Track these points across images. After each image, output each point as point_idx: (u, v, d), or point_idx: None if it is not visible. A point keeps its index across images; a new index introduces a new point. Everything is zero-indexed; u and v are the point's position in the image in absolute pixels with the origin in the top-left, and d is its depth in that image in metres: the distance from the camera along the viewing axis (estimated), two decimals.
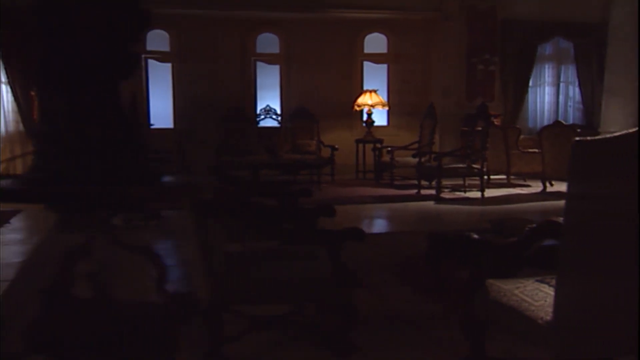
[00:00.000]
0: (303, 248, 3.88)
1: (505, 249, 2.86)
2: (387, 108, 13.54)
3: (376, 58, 14.21)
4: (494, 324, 3.04)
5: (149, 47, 13.24)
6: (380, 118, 13.95)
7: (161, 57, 13.49)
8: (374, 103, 12.83)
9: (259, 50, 13.97)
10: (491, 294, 3.00)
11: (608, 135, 2.38)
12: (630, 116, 8.46)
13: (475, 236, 3.07)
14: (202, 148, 11.82)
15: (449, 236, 3.14)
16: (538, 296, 2.80)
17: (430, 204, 9.93)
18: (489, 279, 3.08)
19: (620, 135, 2.36)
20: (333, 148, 12.32)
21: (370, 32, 14.09)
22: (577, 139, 2.39)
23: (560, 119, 13.97)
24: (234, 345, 3.62)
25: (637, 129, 2.33)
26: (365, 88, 13.56)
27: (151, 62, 13.44)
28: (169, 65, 13.55)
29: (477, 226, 7.51)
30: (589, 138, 2.37)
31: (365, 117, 13.09)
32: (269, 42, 14.02)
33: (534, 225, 2.72)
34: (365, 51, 14.17)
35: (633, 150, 2.36)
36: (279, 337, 3.94)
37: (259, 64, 14.08)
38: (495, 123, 12.24)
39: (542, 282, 2.96)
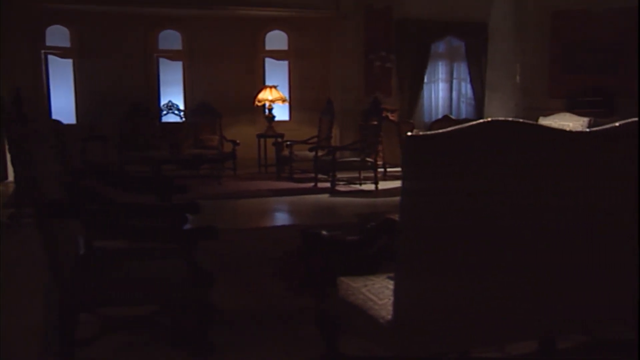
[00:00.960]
0: (166, 247, 3.63)
1: (349, 247, 2.69)
2: (286, 103, 13.35)
3: (277, 54, 14.01)
4: (347, 322, 2.87)
5: (48, 43, 12.69)
6: (282, 113, 13.78)
7: (62, 53, 12.92)
8: (274, 98, 12.60)
9: (161, 46, 13.56)
10: (340, 292, 2.83)
11: (441, 131, 2.23)
12: (510, 111, 8.49)
13: (324, 233, 2.89)
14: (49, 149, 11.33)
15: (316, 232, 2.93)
16: (384, 294, 2.64)
17: (326, 196, 9.80)
18: (341, 277, 2.92)
19: (450, 131, 2.21)
20: (235, 143, 12.08)
21: (271, 30, 13.87)
22: (409, 134, 2.22)
23: (453, 113, 14.10)
24: (88, 348, 3.35)
25: (484, 122, 2.19)
26: (267, 84, 13.32)
27: (51, 57, 12.85)
28: (70, 61, 12.98)
29: (349, 221, 7.44)
30: (420, 133, 2.21)
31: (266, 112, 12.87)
32: (171, 39, 13.62)
33: (374, 223, 2.56)
34: (267, 48, 13.95)
35: (463, 145, 2.21)
36: (135, 338, 3.68)
37: (163, 60, 13.67)
38: (391, 118, 12.21)
39: (392, 279, 2.80)
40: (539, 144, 2.30)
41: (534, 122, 2.32)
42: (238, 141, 12.14)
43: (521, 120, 2.28)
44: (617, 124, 2.49)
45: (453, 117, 11.56)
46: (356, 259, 2.68)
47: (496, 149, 2.24)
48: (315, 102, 13.38)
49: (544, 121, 6.32)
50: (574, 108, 13.94)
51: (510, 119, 2.24)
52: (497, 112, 8.59)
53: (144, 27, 13.11)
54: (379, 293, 2.66)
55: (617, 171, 2.47)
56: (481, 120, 2.22)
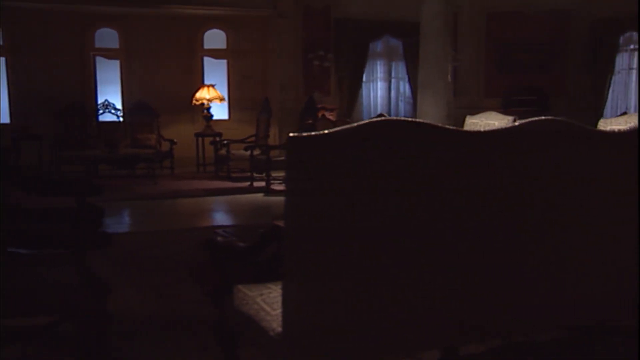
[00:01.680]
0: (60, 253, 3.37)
1: (239, 254, 2.48)
2: (224, 102, 13.07)
3: (216, 53, 13.69)
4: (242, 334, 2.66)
5: None
6: (221, 112, 13.50)
7: None
8: (211, 97, 12.32)
9: (98, 44, 13.12)
10: (236, 300, 2.62)
11: (325, 131, 2.04)
12: (442, 110, 8.38)
13: (219, 239, 2.68)
14: None
15: (209, 239, 2.72)
16: (278, 304, 2.42)
17: (260, 196, 9.59)
18: (239, 284, 2.70)
19: (333, 132, 2.02)
20: (172, 142, 11.82)
21: (209, 28, 13.53)
22: (291, 134, 2.03)
23: (391, 112, 14.02)
24: None
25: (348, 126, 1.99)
26: (206, 83, 13.02)
27: None
28: (3, 59, 12.48)
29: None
30: (303, 134, 2.02)
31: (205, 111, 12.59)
32: (108, 37, 13.20)
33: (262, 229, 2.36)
34: (205, 47, 13.61)
35: (348, 145, 2.03)
36: (33, 350, 3.42)
37: (100, 59, 13.25)
38: (328, 117, 12.03)
39: None
40: (434, 144, 2.13)
41: (429, 122, 2.14)
42: (176, 140, 11.87)
43: (415, 120, 2.10)
44: (517, 123, 2.35)
45: (386, 115, 11.43)
46: (248, 267, 2.47)
47: (386, 149, 2.06)
48: (254, 101, 13.13)
49: (471, 120, 6.21)
50: (508, 107, 14.02)
51: (402, 118, 2.07)
52: (429, 110, 8.47)
53: (79, 24, 12.67)
54: (273, 303, 2.45)
55: (517, 171, 2.31)
56: (367, 121, 2.04)
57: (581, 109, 12.94)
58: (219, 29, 13.58)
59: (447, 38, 8.61)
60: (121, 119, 12.63)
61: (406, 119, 2.04)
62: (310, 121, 10.20)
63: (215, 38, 13.66)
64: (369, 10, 13.03)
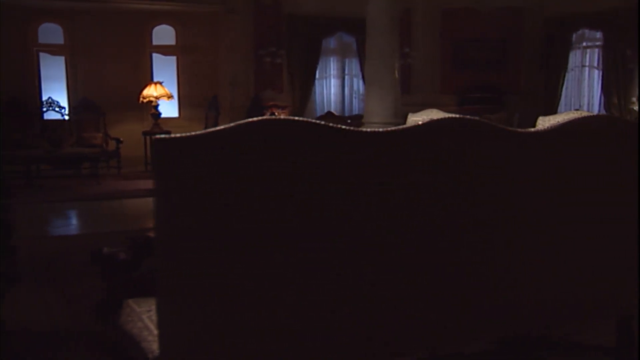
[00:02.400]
0: None
1: (119, 267, 2.27)
2: (172, 100, 12.76)
3: (165, 50, 13.36)
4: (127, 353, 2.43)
5: None
6: (172, 110, 13.20)
7: None
8: (159, 95, 12.03)
9: (42, 40, 12.72)
10: (122, 317, 2.40)
11: (194, 133, 1.84)
12: (389, 108, 8.21)
13: (105, 249, 2.46)
14: None
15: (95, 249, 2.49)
16: None
17: None
18: (128, 299, 2.49)
19: (201, 134, 1.81)
20: (118, 141, 11.50)
21: (158, 24, 13.20)
22: (156, 137, 1.82)
23: (345, 109, 13.85)
24: None
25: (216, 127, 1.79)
26: (155, 80, 12.71)
27: None
28: None
29: None
30: (167, 136, 1.81)
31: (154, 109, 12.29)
32: (53, 32, 12.80)
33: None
34: (154, 43, 13.29)
35: (216, 149, 1.82)
36: None
37: (45, 56, 12.85)
38: (278, 114, 11.82)
39: None
40: (317, 143, 1.93)
41: (313, 121, 1.94)
42: (122, 139, 11.56)
43: (296, 118, 1.90)
44: (420, 122, 2.16)
45: (336, 113, 11.27)
46: (130, 280, 2.26)
47: (260, 150, 1.86)
48: (204, 98, 12.84)
49: (413, 117, 6.04)
50: (464, 104, 13.96)
51: (274, 118, 1.86)
52: (376, 107, 8.29)
53: (21, 19, 12.26)
54: None
55: (413, 173, 2.12)
56: (242, 122, 1.84)
57: (536, 106, 12.93)
58: (168, 24, 13.27)
59: (394, 34, 8.44)
60: (66, 117, 12.25)
61: (279, 118, 1.84)
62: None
63: (164, 34, 13.34)
64: (322, 6, 12.83)
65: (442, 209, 2.22)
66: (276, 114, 11.51)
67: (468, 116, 2.11)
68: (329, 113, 10.51)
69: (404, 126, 2.02)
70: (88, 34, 12.66)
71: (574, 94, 13.70)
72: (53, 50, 12.77)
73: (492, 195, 2.33)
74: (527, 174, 2.38)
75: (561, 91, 13.54)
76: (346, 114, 13.58)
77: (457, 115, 2.10)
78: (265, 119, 1.82)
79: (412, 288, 2.23)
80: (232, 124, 1.84)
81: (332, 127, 1.88)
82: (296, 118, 1.86)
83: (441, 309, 2.31)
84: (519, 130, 2.28)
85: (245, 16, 12.90)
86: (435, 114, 5.84)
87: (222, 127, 1.84)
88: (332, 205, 1.98)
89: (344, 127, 1.87)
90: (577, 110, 12.14)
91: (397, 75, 8.36)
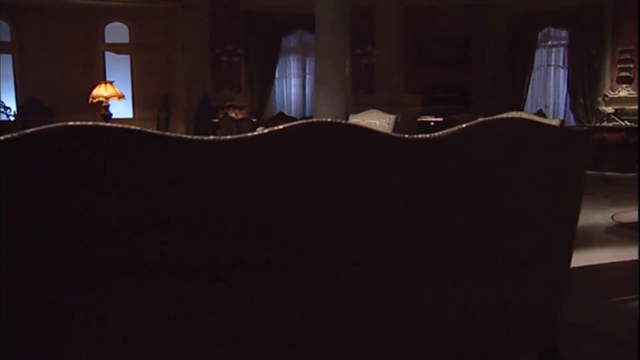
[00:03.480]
0: None
1: None
2: (123, 99, 12.33)
3: (118, 48, 12.94)
4: None
5: None
6: (125, 111, 12.78)
7: None
8: (109, 95, 11.59)
9: None
10: None
11: (27, 131, 1.47)
12: (338, 107, 7.88)
13: None
14: None
15: None
16: None
17: None
18: None
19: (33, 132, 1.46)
20: None
21: (110, 21, 12.79)
22: (2, 138, 1.46)
23: (306, 109, 13.53)
24: None
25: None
26: (108, 79, 12.29)
27: None
28: None
29: None
30: (12, 135, 1.45)
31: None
32: (0, 30, 12.34)
33: None
34: (107, 41, 12.86)
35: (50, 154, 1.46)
36: None
37: None
38: (235, 115, 11.48)
39: None
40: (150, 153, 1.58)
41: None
42: None
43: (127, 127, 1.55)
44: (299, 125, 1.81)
45: (296, 114, 10.94)
46: None
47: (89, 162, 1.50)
48: (159, 98, 12.48)
49: (353, 119, 5.73)
50: (428, 104, 13.70)
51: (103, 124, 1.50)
52: (324, 108, 7.97)
53: None
54: None
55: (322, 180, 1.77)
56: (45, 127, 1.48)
57: (502, 105, 12.69)
58: (121, 22, 12.85)
59: (343, 31, 8.12)
60: (12, 119, 11.79)
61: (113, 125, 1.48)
62: (216, 120, 9.59)
63: (117, 32, 12.92)
64: (281, 3, 12.51)
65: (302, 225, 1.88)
66: (233, 114, 11.14)
67: (339, 120, 1.76)
68: (281, 114, 10.18)
69: (254, 133, 1.68)
70: (36, 31, 12.21)
71: (540, 94, 13.52)
72: None
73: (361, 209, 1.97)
74: (414, 184, 2.03)
75: (527, 90, 13.36)
76: (307, 114, 13.25)
77: (326, 120, 1.75)
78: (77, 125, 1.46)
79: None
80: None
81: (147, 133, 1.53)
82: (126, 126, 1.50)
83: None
84: (401, 136, 1.93)
85: (201, 13, 12.55)
86: (375, 116, 5.53)
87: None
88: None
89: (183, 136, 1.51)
90: (540, 111, 11.92)
91: (347, 75, 8.04)
